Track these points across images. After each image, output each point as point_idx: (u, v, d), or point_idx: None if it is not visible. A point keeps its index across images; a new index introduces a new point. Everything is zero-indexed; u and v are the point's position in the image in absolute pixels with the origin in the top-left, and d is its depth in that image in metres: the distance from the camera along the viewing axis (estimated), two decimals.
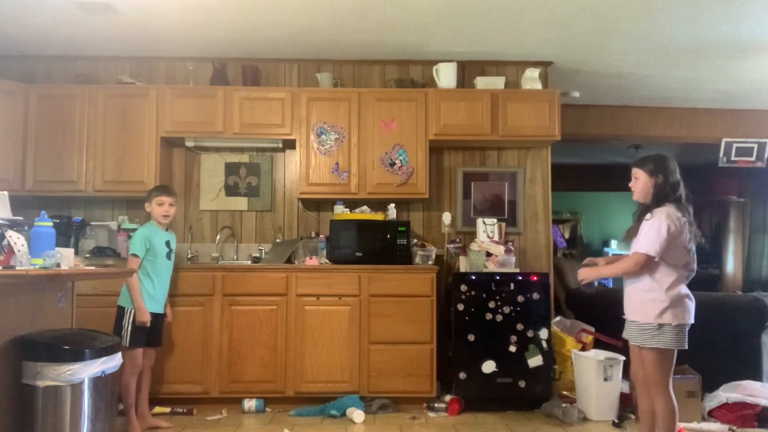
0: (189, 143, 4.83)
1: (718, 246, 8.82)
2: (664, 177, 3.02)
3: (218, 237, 4.93)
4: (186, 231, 4.93)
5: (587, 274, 3.21)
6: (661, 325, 2.93)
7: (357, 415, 4.03)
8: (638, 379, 3.18)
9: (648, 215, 3.00)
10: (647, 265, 2.96)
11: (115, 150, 4.63)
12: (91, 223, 4.56)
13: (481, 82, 4.90)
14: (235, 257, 4.93)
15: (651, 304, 2.96)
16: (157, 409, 4.14)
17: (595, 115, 6.49)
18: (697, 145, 6.77)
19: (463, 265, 4.63)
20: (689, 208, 3.04)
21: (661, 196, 3.02)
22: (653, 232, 2.93)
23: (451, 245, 4.86)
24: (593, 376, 4.12)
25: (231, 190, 5.01)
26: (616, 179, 9.48)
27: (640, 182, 3.09)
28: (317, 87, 4.88)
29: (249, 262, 4.75)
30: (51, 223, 2.82)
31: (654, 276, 2.97)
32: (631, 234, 3.10)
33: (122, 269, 3.59)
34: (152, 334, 3.82)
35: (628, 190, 3.22)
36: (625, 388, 4.31)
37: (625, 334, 3.17)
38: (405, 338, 4.34)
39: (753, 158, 6.56)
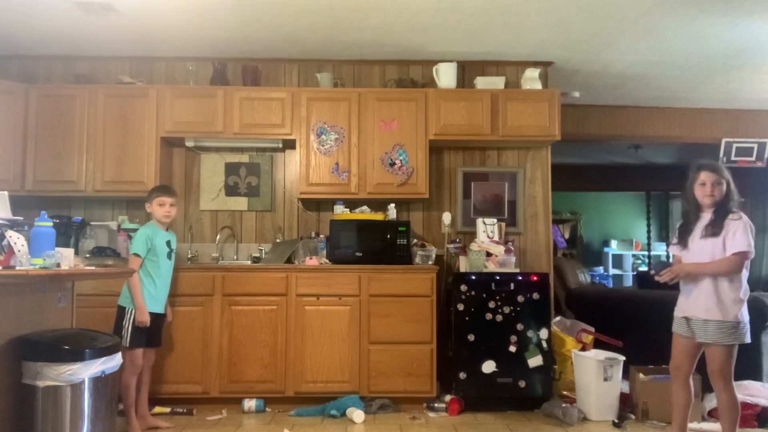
0: (189, 143, 4.83)
1: None
2: (732, 183, 3.22)
3: (218, 237, 4.94)
4: (186, 231, 4.93)
5: (685, 270, 3.21)
6: (738, 323, 3.09)
7: (357, 415, 4.03)
8: (680, 373, 3.27)
9: (735, 215, 3.14)
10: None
11: (115, 150, 4.63)
12: (91, 223, 4.55)
13: (481, 82, 4.90)
14: (235, 257, 4.93)
15: (733, 304, 3.10)
16: (157, 409, 4.14)
17: (595, 115, 6.49)
18: (697, 145, 6.76)
19: (463, 265, 4.63)
20: None
21: (732, 200, 3.20)
22: (747, 232, 3.10)
23: (451, 245, 4.86)
24: (593, 376, 4.12)
25: (231, 190, 5.02)
26: (616, 179, 9.53)
27: (722, 188, 3.19)
28: (317, 87, 4.88)
29: (249, 262, 4.75)
30: (51, 223, 2.82)
31: (739, 276, 3.12)
32: (709, 233, 3.16)
33: (122, 269, 3.59)
34: (152, 334, 3.82)
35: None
36: (625, 388, 4.31)
37: (685, 331, 3.22)
38: (405, 338, 4.34)
39: (753, 158, 6.56)
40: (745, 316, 3.12)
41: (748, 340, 3.13)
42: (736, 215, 3.13)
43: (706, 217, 3.21)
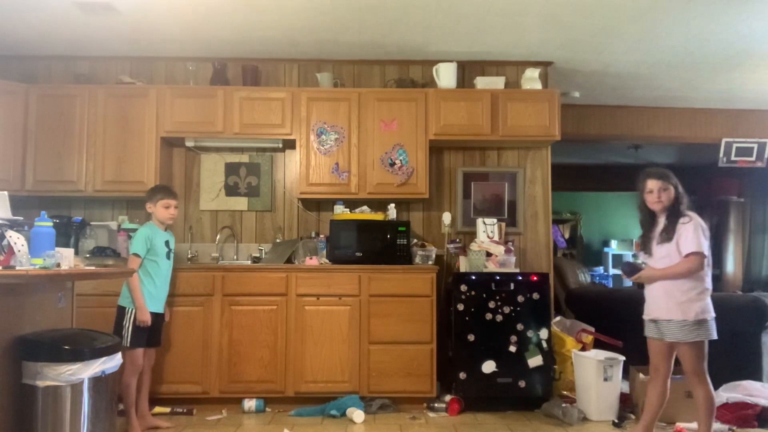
0: (189, 143, 4.83)
1: (718, 246, 8.81)
2: (680, 186, 3.31)
3: (218, 237, 4.93)
4: (186, 231, 4.93)
5: (649, 275, 3.31)
6: (700, 321, 3.17)
7: (357, 415, 4.03)
8: (658, 374, 3.35)
9: (684, 219, 3.23)
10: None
11: (115, 150, 4.63)
12: (91, 223, 4.56)
13: (481, 82, 4.90)
14: (235, 257, 4.93)
15: (691, 303, 3.18)
16: (157, 409, 4.14)
17: (595, 115, 6.49)
18: (697, 145, 6.77)
19: (463, 265, 4.63)
20: None
21: (682, 204, 3.29)
22: (699, 234, 3.18)
23: (451, 245, 4.86)
24: (593, 376, 4.12)
25: (231, 190, 5.02)
26: (616, 179, 9.54)
27: (670, 193, 3.30)
28: (317, 87, 4.88)
29: (249, 262, 4.75)
30: (51, 223, 2.81)
31: (699, 275, 3.20)
32: (664, 239, 3.27)
33: (122, 269, 3.59)
34: (152, 334, 3.82)
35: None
36: (625, 388, 4.31)
37: (654, 333, 3.32)
38: (405, 338, 4.34)
39: (753, 158, 6.56)
40: (707, 313, 3.19)
41: (713, 336, 3.20)
42: (686, 218, 3.24)
43: (661, 222, 3.33)
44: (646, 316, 3.38)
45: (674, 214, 3.27)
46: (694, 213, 3.28)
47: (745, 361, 4.36)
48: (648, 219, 3.41)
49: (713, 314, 3.22)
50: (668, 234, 3.25)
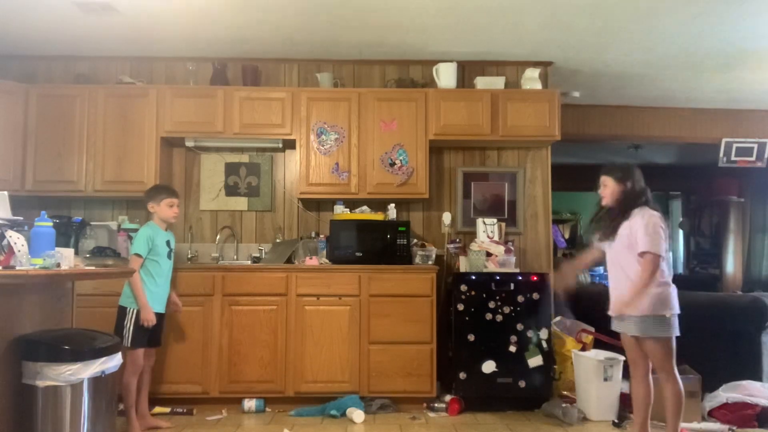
0: (189, 143, 4.83)
1: (718, 246, 8.81)
2: (632, 183, 3.27)
3: (218, 237, 4.93)
4: (186, 231, 4.93)
5: (626, 307, 3.22)
6: (657, 317, 3.14)
7: (357, 415, 4.03)
8: (637, 370, 3.34)
9: (635, 215, 3.19)
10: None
11: (115, 150, 4.63)
12: (91, 223, 4.54)
13: (481, 82, 4.90)
14: (235, 257, 4.93)
15: (649, 298, 3.12)
16: (157, 409, 4.14)
17: (595, 115, 6.49)
18: (697, 145, 6.77)
19: (463, 265, 4.63)
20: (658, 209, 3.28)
21: (630, 200, 3.26)
22: (653, 232, 3.11)
23: (451, 245, 4.86)
24: (593, 376, 4.12)
25: (231, 190, 5.02)
26: None
27: (609, 189, 3.34)
28: (317, 87, 4.88)
29: (249, 262, 4.75)
30: (51, 223, 2.81)
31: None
32: (607, 234, 3.31)
33: (122, 269, 3.58)
34: (153, 334, 3.82)
35: None
36: (625, 388, 4.30)
37: (619, 327, 3.32)
38: (405, 338, 4.34)
39: (753, 158, 6.56)
40: (666, 308, 3.13)
41: (676, 333, 3.16)
42: (638, 215, 3.19)
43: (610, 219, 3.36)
44: (611, 312, 3.34)
45: (623, 212, 3.26)
46: (649, 212, 3.19)
47: (745, 361, 4.36)
48: (604, 212, 3.45)
49: (676, 310, 3.16)
50: (606, 233, 3.29)
